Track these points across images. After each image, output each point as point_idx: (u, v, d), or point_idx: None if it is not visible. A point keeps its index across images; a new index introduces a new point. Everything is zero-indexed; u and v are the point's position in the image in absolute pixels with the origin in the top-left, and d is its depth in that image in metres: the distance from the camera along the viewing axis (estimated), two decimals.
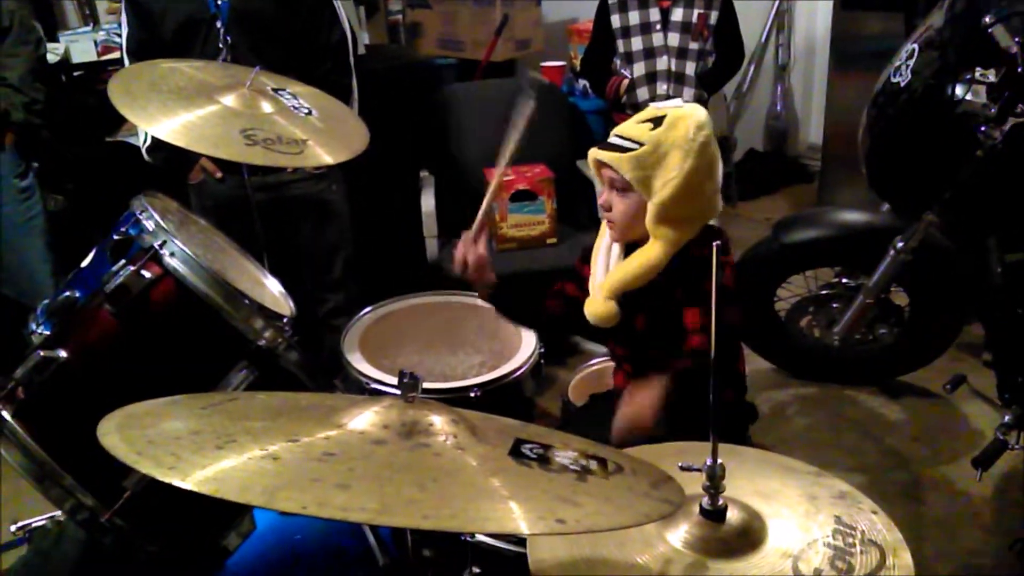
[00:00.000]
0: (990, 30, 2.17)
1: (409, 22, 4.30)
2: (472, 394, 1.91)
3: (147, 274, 1.30)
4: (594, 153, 1.66)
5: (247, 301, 1.33)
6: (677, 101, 1.62)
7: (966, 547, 2.32)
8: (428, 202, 3.20)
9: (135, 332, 1.32)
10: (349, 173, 2.76)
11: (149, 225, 1.35)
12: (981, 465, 2.32)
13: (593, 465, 0.89)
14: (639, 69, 3.31)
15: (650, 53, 3.30)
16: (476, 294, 2.31)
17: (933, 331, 2.88)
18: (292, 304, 1.68)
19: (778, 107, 4.98)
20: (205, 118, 1.72)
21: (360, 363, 2.01)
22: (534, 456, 0.87)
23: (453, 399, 1.89)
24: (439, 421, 0.90)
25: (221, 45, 2.40)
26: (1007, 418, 2.32)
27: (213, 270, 1.32)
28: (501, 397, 1.95)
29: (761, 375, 3.09)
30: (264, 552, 1.55)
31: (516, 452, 0.88)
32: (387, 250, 3.34)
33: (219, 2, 2.41)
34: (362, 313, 2.24)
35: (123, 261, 1.32)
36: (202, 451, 0.80)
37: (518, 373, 1.99)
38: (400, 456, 0.84)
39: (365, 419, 0.90)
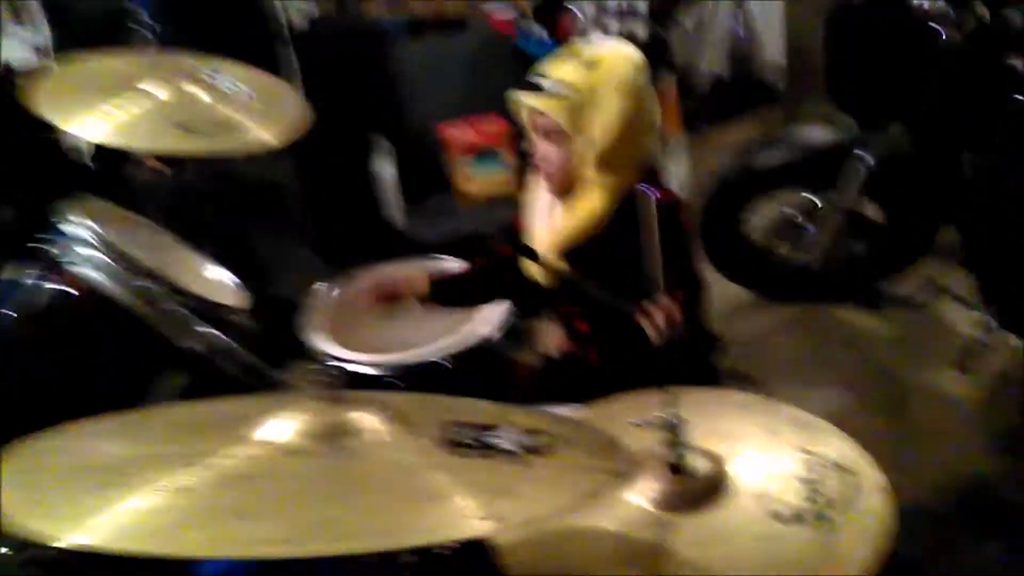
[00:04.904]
0: None
1: None
2: (445, 364, 1.88)
3: (54, 285, 1.23)
4: (524, 99, 1.55)
5: (176, 305, 1.28)
6: (609, 41, 1.56)
7: (956, 453, 2.32)
8: (389, 168, 3.14)
9: (48, 347, 1.26)
10: (304, 149, 2.69)
11: (69, 231, 1.29)
12: (965, 368, 2.33)
13: (537, 441, 0.85)
14: (589, 8, 3.23)
15: None
16: (443, 257, 2.29)
17: (909, 238, 2.85)
18: (246, 294, 1.64)
19: (739, 31, 4.88)
20: (137, 115, 1.67)
21: (322, 342, 1.96)
22: (473, 444, 0.83)
23: (424, 370, 1.87)
24: (365, 420, 0.84)
25: (149, 35, 2.32)
26: (986, 319, 2.33)
27: (135, 273, 1.26)
28: (476, 362, 1.92)
29: (737, 302, 3.05)
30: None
31: (452, 443, 0.83)
32: (348, 223, 3.28)
33: None
34: (323, 289, 2.19)
35: (34, 272, 1.26)
36: (86, 494, 0.76)
37: (489, 334, 1.96)
38: (318, 467, 0.78)
39: (279, 427, 0.83)
